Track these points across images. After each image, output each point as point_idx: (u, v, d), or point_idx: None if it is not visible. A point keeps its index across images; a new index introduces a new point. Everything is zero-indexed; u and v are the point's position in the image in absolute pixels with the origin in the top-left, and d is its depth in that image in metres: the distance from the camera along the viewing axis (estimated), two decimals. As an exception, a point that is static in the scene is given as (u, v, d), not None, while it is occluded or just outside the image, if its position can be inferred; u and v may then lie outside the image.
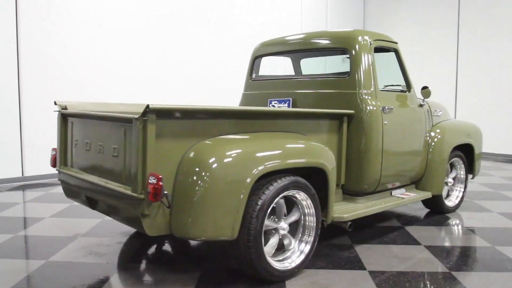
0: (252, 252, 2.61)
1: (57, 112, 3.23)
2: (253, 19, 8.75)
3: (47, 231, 3.82)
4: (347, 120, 3.52)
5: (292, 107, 3.92)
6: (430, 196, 4.23)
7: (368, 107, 3.54)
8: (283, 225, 2.85)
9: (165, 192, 2.35)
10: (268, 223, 2.77)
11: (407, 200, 3.96)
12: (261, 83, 4.31)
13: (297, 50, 4.13)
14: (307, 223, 2.99)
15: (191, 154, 2.50)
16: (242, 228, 2.57)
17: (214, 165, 2.46)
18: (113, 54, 6.74)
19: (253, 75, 4.41)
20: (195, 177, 2.44)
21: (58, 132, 3.24)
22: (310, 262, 3.09)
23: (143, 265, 3.13)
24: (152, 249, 3.44)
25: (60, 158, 3.22)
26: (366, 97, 3.57)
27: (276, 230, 2.84)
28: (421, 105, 4.18)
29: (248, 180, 2.53)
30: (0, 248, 3.36)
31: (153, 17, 7.22)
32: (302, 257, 2.93)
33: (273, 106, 4.04)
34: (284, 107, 3.95)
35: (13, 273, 2.88)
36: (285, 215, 2.91)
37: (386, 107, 3.66)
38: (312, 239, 2.99)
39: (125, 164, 2.54)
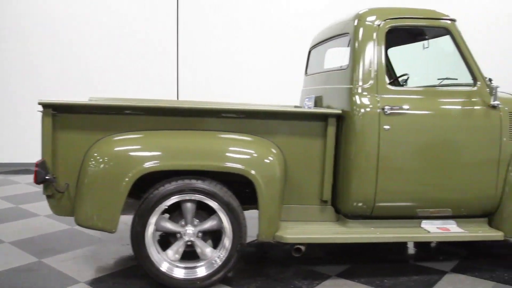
0: (135, 250, 2.61)
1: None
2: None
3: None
4: (334, 122, 2.85)
5: (315, 105, 3.41)
6: (501, 238, 2.90)
7: (359, 107, 2.77)
8: (189, 230, 2.67)
9: (48, 177, 2.63)
10: (169, 225, 2.67)
11: (437, 237, 2.86)
12: (309, 78, 3.86)
13: (318, 43, 3.52)
14: (224, 235, 2.68)
15: (92, 148, 2.68)
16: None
17: (99, 161, 2.58)
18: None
19: (307, 70, 3.98)
20: (85, 169, 2.62)
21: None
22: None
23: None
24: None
25: None
26: (362, 93, 2.79)
27: (180, 234, 2.69)
28: (493, 107, 2.89)
29: (127, 178, 2.53)
30: None
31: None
32: (209, 271, 2.66)
33: (306, 104, 3.59)
34: (309, 105, 3.47)
35: None
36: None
37: (390, 108, 2.75)
38: (224, 254, 2.66)
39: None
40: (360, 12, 2.93)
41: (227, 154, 2.66)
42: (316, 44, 3.68)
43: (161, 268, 2.63)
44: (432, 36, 3.17)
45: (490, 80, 2.88)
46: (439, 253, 3.44)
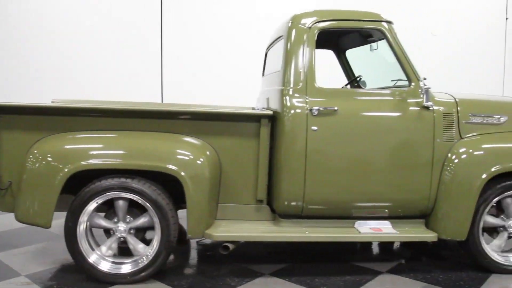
0: (68, 245, 2.72)
1: None
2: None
3: None
4: (267, 123, 2.91)
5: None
6: (435, 239, 2.89)
7: (289, 108, 2.82)
8: (120, 227, 2.76)
9: None
10: (102, 222, 2.78)
11: (367, 237, 2.88)
12: (264, 80, 3.90)
13: (270, 44, 3.57)
14: (155, 232, 2.77)
15: (32, 147, 2.81)
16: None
17: (37, 158, 2.71)
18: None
19: (264, 71, 4.03)
20: (25, 167, 2.75)
21: None
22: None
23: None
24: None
25: None
26: (292, 95, 2.84)
27: (113, 231, 2.79)
28: (426, 108, 2.89)
29: (61, 174, 2.65)
30: None
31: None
32: (134, 268, 2.75)
33: (257, 106, 3.65)
34: (259, 106, 3.53)
35: None
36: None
37: (318, 109, 2.79)
38: (153, 251, 2.75)
39: None
40: (294, 15, 2.99)
41: (157, 154, 2.75)
42: (269, 45, 3.74)
43: (92, 263, 2.74)
44: (373, 39, 3.19)
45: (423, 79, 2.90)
46: (383, 254, 3.45)
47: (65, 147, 2.76)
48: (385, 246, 3.62)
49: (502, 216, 3.02)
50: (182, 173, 2.69)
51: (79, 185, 2.74)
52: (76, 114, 2.85)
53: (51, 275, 2.88)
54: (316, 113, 2.80)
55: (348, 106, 2.86)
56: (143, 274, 2.75)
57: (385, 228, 2.94)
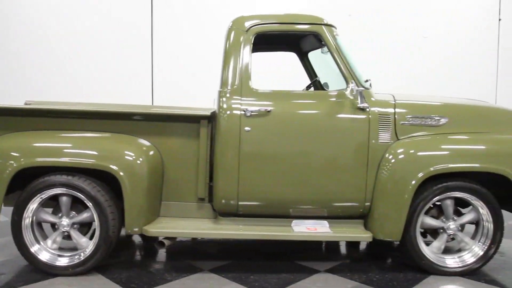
0: (14, 238, 2.90)
1: None
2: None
3: None
4: (206, 123, 3.01)
5: None
6: (370, 239, 2.92)
7: (224, 109, 2.92)
8: (63, 222, 2.91)
9: None
10: (47, 217, 2.94)
11: (301, 236, 2.92)
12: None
13: None
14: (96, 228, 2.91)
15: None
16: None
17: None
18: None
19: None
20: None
21: None
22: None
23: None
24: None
25: None
26: (228, 96, 2.94)
27: (57, 225, 2.94)
28: (361, 109, 2.92)
29: (7, 172, 2.81)
30: None
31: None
32: (74, 261, 2.90)
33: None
34: None
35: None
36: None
37: (251, 110, 2.87)
38: (92, 245, 2.88)
39: None
40: (234, 19, 3.08)
41: (96, 153, 2.89)
42: None
43: (34, 253, 2.89)
44: (314, 41, 3.24)
45: (364, 81, 2.95)
46: (329, 253, 3.48)
47: (15, 145, 2.93)
48: (333, 245, 3.65)
49: (442, 218, 3.02)
50: (120, 172, 2.82)
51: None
52: (23, 115, 3.03)
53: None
54: (249, 114, 2.88)
55: (282, 107, 2.93)
56: (83, 267, 2.89)
57: (321, 227, 2.98)
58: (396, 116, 2.97)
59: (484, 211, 2.96)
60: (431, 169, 2.85)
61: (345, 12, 7.09)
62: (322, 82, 3.65)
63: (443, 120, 3.02)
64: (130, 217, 2.87)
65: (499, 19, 6.93)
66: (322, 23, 3.01)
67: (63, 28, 6.77)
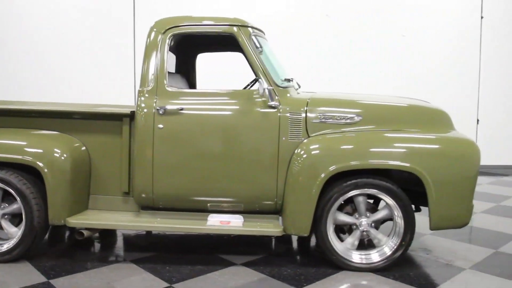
0: None
1: None
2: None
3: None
4: (128, 121, 3.16)
5: None
6: (279, 234, 2.99)
7: (141, 108, 3.06)
8: None
9: None
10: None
11: (211, 230, 3.02)
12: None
13: None
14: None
15: None
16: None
17: None
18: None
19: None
20: None
21: None
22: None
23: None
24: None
25: None
26: (145, 95, 3.09)
27: None
28: (272, 107, 3.01)
29: None
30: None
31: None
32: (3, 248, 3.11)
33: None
34: None
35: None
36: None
37: (164, 109, 3.00)
38: (18, 235, 3.08)
39: None
40: (157, 20, 3.22)
41: (25, 149, 3.08)
42: None
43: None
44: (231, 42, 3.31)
45: (283, 80, 3.07)
46: (255, 248, 3.55)
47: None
48: (264, 241, 3.71)
49: (355, 215, 3.06)
50: (45, 169, 3.01)
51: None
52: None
53: None
54: (161, 112, 3.02)
55: (193, 106, 3.05)
56: (9, 255, 3.08)
57: (235, 222, 3.08)
58: (307, 114, 3.03)
59: (394, 208, 2.98)
60: (332, 167, 2.89)
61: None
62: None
63: (357, 118, 3.07)
64: (53, 210, 3.05)
65: (481, 17, 6.89)
66: (235, 24, 3.11)
67: (45, 27, 6.96)
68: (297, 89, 3.66)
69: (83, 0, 6.91)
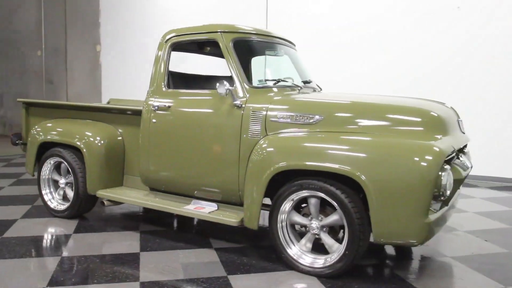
0: None
1: None
2: None
3: None
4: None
5: None
6: (235, 224, 3.17)
7: (146, 105, 3.69)
8: None
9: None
10: None
11: (184, 212, 3.40)
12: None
13: None
14: None
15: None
16: None
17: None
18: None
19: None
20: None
21: None
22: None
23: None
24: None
25: None
26: (150, 94, 3.71)
27: None
28: (237, 106, 3.21)
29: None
30: None
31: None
32: None
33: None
34: None
35: None
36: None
37: (158, 105, 3.55)
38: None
39: None
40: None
41: (73, 133, 4.08)
42: None
43: None
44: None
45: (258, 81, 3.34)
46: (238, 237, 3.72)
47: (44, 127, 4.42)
48: (254, 233, 3.84)
49: (310, 216, 3.01)
50: (83, 149, 3.95)
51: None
52: (52, 107, 4.51)
53: None
54: (155, 108, 3.58)
55: (178, 104, 3.52)
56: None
57: (207, 209, 3.41)
58: (268, 112, 3.14)
59: (341, 215, 2.83)
60: (273, 168, 2.95)
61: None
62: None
63: (317, 118, 3.01)
64: (90, 182, 3.96)
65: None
66: (218, 31, 3.42)
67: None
68: (317, 90, 3.76)
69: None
